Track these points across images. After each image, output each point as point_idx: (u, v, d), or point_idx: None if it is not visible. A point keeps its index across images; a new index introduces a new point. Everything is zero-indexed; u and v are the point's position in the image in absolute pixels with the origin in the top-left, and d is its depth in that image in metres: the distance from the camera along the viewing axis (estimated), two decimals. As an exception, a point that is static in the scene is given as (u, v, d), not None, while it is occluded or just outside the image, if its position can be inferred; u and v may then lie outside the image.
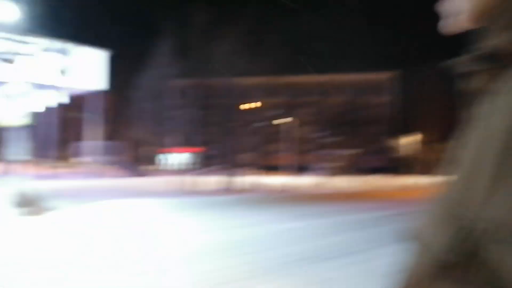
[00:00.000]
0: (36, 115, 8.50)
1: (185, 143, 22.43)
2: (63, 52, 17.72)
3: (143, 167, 30.33)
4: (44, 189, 10.86)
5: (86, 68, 18.39)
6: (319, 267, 5.38)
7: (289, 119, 32.42)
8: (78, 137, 36.20)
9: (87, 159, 27.97)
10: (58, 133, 22.09)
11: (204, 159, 22.26)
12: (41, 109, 16.84)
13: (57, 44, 17.60)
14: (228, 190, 16.50)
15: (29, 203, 9.32)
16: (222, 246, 6.47)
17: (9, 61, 15.92)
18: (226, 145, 18.96)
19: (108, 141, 24.93)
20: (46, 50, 16.81)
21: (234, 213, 10.55)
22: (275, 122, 35.35)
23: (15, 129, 8.75)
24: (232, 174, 17.76)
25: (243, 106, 23.64)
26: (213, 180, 18.64)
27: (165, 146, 27.17)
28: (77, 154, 37.73)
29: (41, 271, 4.69)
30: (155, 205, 10.27)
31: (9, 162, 10.87)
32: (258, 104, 27.52)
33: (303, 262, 5.60)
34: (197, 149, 23.10)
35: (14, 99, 8.68)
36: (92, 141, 23.34)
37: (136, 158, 33.59)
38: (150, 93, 20.50)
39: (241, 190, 16.66)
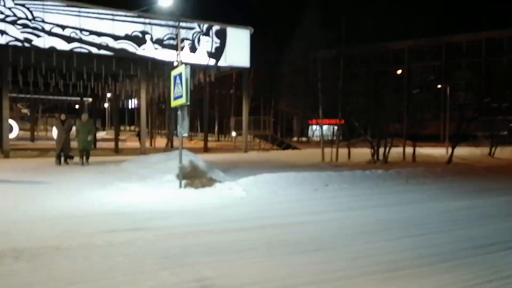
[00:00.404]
0: (190, 94, 9.38)
1: (331, 114, 22.00)
2: (212, 33, 18.81)
3: (289, 140, 31.06)
4: (206, 162, 11.69)
5: (233, 46, 19.24)
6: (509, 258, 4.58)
7: (443, 84, 29.28)
8: (227, 113, 38.82)
9: (236, 133, 29.75)
10: (208, 110, 23.79)
11: (351, 130, 21.58)
12: (192, 88, 18.41)
13: (208, 26, 18.74)
14: (379, 163, 15.70)
15: (196, 175, 10.14)
16: (383, 225, 6.02)
17: (172, 46, 17.60)
18: (375, 114, 17.99)
19: (255, 115, 26.03)
20: (199, 32, 18.10)
21: (390, 188, 9.89)
22: (428, 87, 32.33)
23: (178, 108, 9.49)
24: (382, 146, 16.83)
25: (393, 73, 22.07)
26: (362, 152, 17.95)
27: (310, 118, 27.16)
28: (227, 129, 40.48)
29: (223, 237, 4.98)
30: (305, 178, 10.22)
31: (176, 138, 12.10)
32: (409, 69, 25.38)
33: (487, 250, 4.84)
34: (343, 120, 22.49)
35: (178, 82, 9.43)
36: (240, 116, 24.60)
37: (283, 131, 34.51)
38: (294, 66, 20.51)
39: (394, 163, 15.69)
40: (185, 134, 9.62)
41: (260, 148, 24.32)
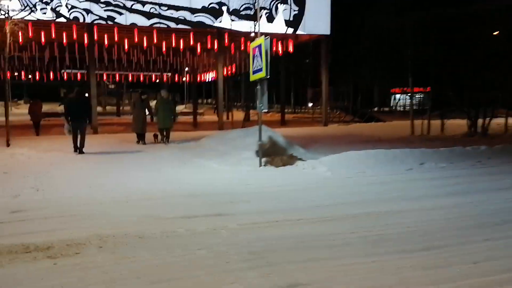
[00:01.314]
0: (270, 67, 8.81)
1: (419, 82, 20.24)
2: (290, 0, 17.91)
3: (370, 111, 29.42)
4: (286, 138, 11.23)
5: (312, 13, 18.23)
6: None
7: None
8: (303, 84, 37.77)
9: (314, 105, 28.82)
10: (284, 82, 23.08)
11: (439, 99, 19.73)
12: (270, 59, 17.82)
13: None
14: (478, 136, 14.10)
15: (276, 152, 9.70)
16: (499, 217, 5.07)
17: (249, 16, 17.07)
18: (468, 82, 16.13)
19: (334, 86, 24.84)
20: (276, 0, 17.32)
21: (497, 167, 8.63)
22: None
23: (258, 82, 9.00)
24: (478, 117, 15.08)
25: (490, 35, 19.60)
26: (455, 124, 16.31)
27: (393, 87, 25.44)
28: (304, 101, 39.44)
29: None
30: (396, 155, 9.29)
31: (256, 113, 11.65)
32: (510, 30, 22.39)
33: None
34: (430, 88, 20.64)
35: (257, 54, 8.92)
36: (318, 88, 23.66)
37: (363, 102, 32.77)
38: (377, 32, 19.02)
39: (495, 136, 14.00)
40: (265, 110, 9.15)
41: (340, 121, 23.27)
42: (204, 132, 16.02)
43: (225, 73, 18.78)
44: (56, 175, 8.01)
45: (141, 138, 12.70)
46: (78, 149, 10.74)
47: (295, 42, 19.49)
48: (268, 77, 8.72)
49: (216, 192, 6.56)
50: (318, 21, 18.24)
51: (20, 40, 16.56)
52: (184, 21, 16.74)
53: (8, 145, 11.44)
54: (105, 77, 28.19)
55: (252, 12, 17.03)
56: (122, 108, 34.36)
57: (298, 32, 18.15)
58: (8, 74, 21.10)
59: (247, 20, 17.21)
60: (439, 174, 8.03)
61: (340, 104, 24.98)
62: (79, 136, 10.70)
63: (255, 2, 15.98)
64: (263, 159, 9.21)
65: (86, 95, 19.89)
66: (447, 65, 16.65)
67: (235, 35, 17.84)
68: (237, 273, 3.44)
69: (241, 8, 17.20)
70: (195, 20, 16.87)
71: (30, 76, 26.64)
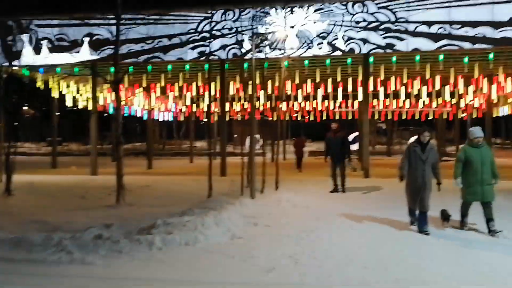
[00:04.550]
0: None
1: None
2: None
3: None
4: None
5: None
6: None
7: None
8: None
9: None
10: None
11: None
12: None
13: None
14: None
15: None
16: None
17: None
18: None
19: None
20: None
21: None
22: None
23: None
24: None
25: None
26: None
27: None
28: None
29: None
30: None
31: None
32: None
33: None
34: None
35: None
36: None
37: None
38: None
39: None
40: None
41: None
42: None
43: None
44: (320, 239, 6.14)
45: (420, 218, 6.52)
46: (337, 188, 10.54)
47: None
48: None
49: None
50: None
51: (296, 78, 16.63)
52: (483, 39, 13.09)
53: (276, 187, 10.61)
54: (376, 115, 26.39)
55: None
56: (392, 147, 32.05)
57: None
58: (285, 114, 22.00)
59: None
60: None
61: None
62: (338, 175, 10.56)
63: None
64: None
65: (356, 134, 18.33)
66: None
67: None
68: None
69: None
70: (498, 37, 12.98)
71: (305, 117, 27.48)
